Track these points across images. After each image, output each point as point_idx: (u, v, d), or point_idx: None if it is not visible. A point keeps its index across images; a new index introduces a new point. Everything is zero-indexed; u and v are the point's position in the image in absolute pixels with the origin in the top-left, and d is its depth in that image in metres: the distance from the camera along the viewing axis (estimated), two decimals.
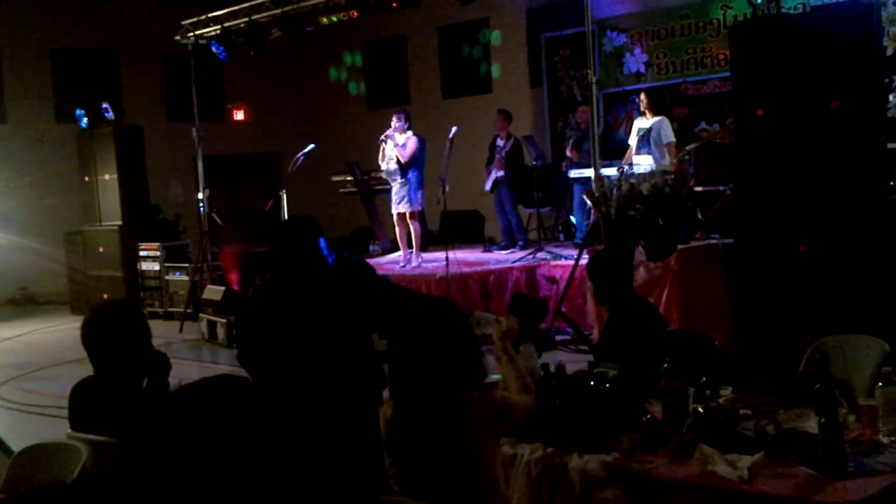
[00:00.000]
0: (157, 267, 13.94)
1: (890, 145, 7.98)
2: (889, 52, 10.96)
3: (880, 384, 3.64)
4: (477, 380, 3.45)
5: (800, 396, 4.13)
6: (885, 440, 3.52)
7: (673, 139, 10.31)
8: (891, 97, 10.89)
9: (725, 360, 4.71)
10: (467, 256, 12.03)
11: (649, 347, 4.37)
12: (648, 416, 3.88)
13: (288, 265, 4.62)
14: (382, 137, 11.85)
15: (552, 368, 4.21)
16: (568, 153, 12.45)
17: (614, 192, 8.60)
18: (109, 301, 4.43)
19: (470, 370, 3.41)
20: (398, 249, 12.47)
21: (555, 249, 11.80)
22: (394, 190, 11.84)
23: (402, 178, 11.63)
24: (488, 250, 12.92)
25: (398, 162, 11.63)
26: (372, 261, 12.90)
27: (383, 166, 11.91)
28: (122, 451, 3.53)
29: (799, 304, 7.18)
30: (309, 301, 4.56)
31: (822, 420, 3.31)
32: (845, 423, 3.47)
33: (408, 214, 11.74)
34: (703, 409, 3.71)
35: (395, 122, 11.80)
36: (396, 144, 11.64)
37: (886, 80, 10.49)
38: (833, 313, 6.85)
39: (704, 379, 3.95)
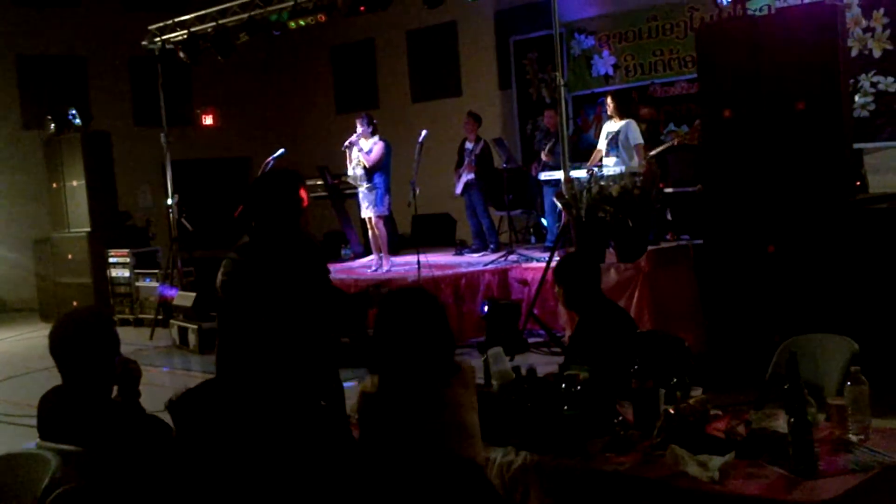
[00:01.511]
0: (126, 273, 13.87)
1: (855, 145, 8.07)
2: (854, 52, 11.05)
3: (849, 383, 3.66)
4: (451, 350, 3.67)
5: (770, 396, 4.16)
6: (855, 439, 3.55)
7: (641, 141, 10.35)
8: (856, 98, 10.99)
9: (696, 361, 4.74)
10: (439, 260, 12.03)
11: (619, 351, 4.38)
12: (620, 418, 3.90)
13: (272, 223, 4.41)
14: (346, 144, 11.84)
15: (524, 371, 4.23)
16: (543, 157, 12.46)
17: (584, 194, 8.62)
18: (78, 309, 4.37)
19: (444, 342, 3.63)
20: (370, 253, 12.45)
21: (526, 252, 11.81)
22: (361, 195, 11.84)
23: (368, 184, 11.63)
24: (460, 253, 12.92)
25: (364, 167, 11.62)
26: (344, 265, 12.89)
27: (350, 172, 11.90)
28: (87, 458, 3.50)
29: (768, 305, 7.25)
30: (298, 256, 4.43)
31: (792, 420, 3.33)
32: (815, 422, 3.49)
33: (373, 219, 11.74)
34: (673, 410, 3.73)
35: (359, 127, 11.79)
36: (361, 150, 11.63)
37: (852, 80, 10.58)
38: (802, 313, 6.92)
39: (675, 380, 3.97)
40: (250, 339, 4.37)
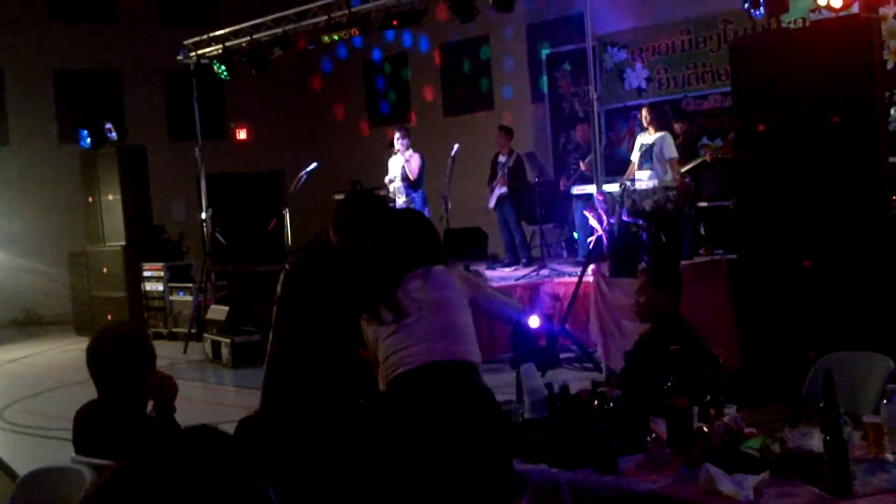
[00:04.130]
0: (160, 287, 13.95)
1: (891, 159, 7.98)
2: (889, 65, 10.96)
3: (885, 401, 3.62)
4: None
5: (804, 414, 4.13)
6: (891, 458, 3.50)
7: (675, 155, 10.32)
8: (892, 111, 10.89)
9: (730, 377, 4.70)
10: None
11: (696, 367, 4.31)
12: (653, 436, 3.87)
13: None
14: (395, 151, 11.94)
15: (556, 388, 4.21)
16: (582, 167, 12.46)
17: (617, 208, 8.60)
18: (114, 324, 4.42)
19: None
20: None
21: (558, 266, 11.77)
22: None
23: (406, 197, 11.67)
24: (492, 267, 12.90)
25: (405, 179, 11.68)
26: None
27: (391, 184, 11.97)
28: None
29: (803, 320, 7.18)
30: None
31: (827, 438, 3.30)
32: (850, 440, 3.45)
33: None
34: (707, 427, 3.70)
35: (397, 141, 11.85)
36: (406, 161, 11.72)
37: (887, 93, 10.48)
38: (838, 329, 6.85)
39: (709, 397, 3.94)
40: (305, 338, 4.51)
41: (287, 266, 4.73)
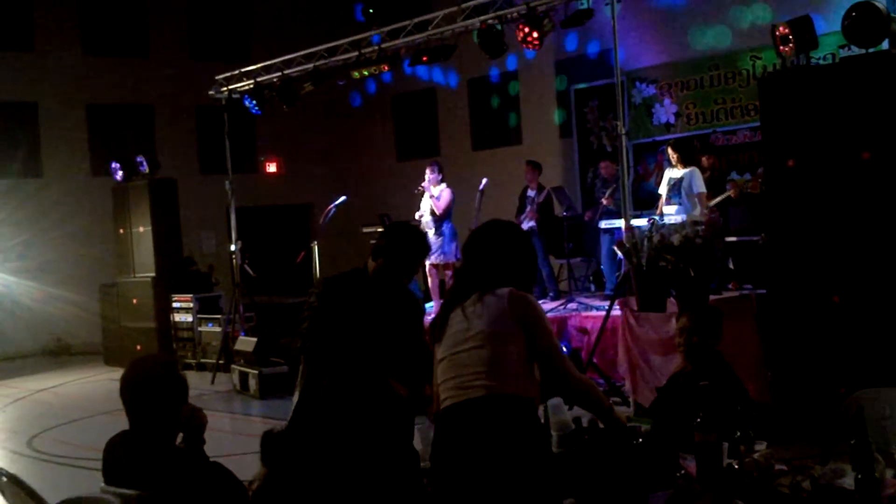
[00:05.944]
0: (189, 318, 14.01)
1: None
2: None
3: None
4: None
5: (836, 451, 4.09)
6: None
7: (704, 189, 10.30)
8: None
9: (759, 413, 4.67)
10: None
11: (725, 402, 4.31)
12: (682, 472, 3.84)
13: (393, 268, 4.79)
14: (418, 189, 11.95)
15: (584, 422, 4.20)
16: (604, 201, 12.47)
17: (645, 242, 8.58)
18: (148, 357, 4.43)
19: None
20: (430, 300, 12.48)
21: (586, 300, 11.75)
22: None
23: (435, 231, 11.70)
24: None
25: (432, 213, 11.70)
26: None
27: (420, 218, 12.00)
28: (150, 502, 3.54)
29: (834, 356, 7.13)
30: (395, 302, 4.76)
31: (859, 476, 3.27)
32: (883, 478, 3.42)
33: (442, 266, 11.79)
34: (737, 464, 3.68)
35: (429, 174, 11.89)
36: (431, 196, 11.73)
37: None
38: (869, 365, 6.79)
39: (739, 433, 3.91)
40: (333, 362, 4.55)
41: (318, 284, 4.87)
